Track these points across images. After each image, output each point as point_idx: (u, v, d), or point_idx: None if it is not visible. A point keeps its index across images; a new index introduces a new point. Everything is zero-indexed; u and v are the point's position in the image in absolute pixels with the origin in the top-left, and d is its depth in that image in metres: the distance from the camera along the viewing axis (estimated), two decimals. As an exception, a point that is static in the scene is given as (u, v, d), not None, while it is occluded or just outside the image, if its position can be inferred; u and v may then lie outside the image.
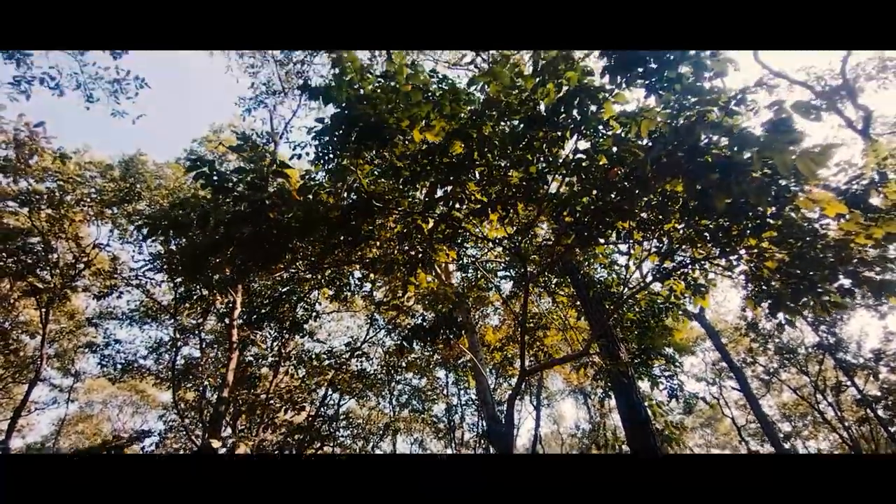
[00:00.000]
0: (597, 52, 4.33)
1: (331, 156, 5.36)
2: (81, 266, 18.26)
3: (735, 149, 3.61)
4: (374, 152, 4.93)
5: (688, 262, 6.66)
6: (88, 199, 16.30)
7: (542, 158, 5.10)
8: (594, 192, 5.33)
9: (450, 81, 5.31)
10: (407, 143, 4.88)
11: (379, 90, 4.59)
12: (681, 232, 5.99)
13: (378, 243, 6.07)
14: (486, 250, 11.00)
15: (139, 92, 13.15)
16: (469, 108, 4.70)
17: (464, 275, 11.81)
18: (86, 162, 16.86)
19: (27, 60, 12.43)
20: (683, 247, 6.32)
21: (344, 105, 4.65)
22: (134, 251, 17.65)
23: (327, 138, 5.13)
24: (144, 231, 4.44)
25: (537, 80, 4.32)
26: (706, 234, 5.68)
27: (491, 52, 13.65)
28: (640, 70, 4.42)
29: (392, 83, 4.81)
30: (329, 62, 14.50)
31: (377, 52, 13.99)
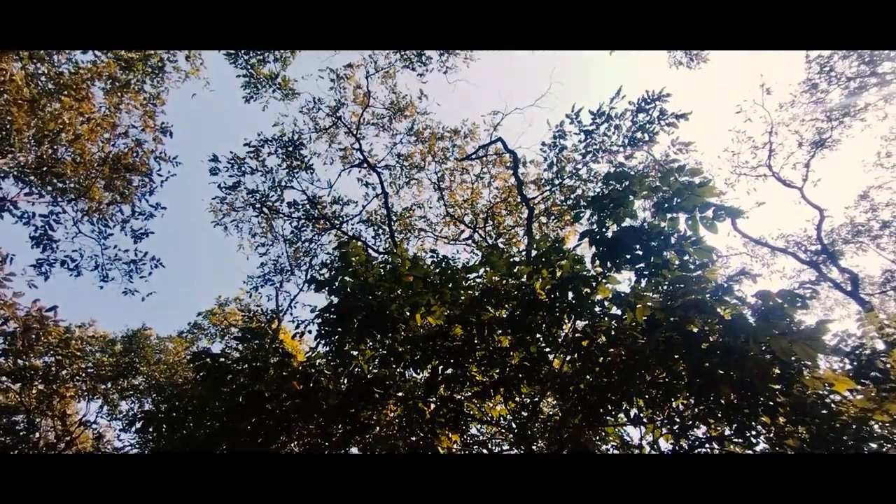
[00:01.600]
0: (586, 242, 4.63)
1: (334, 336, 5.44)
2: (62, 446, 17.26)
3: (731, 334, 3.68)
4: (376, 337, 5.00)
5: (704, 439, 6.32)
6: (83, 374, 16.03)
7: (541, 339, 5.16)
8: (597, 369, 5.29)
9: (450, 267, 5.59)
10: (409, 327, 4.98)
11: (382, 279, 4.82)
12: (692, 409, 5.79)
13: (377, 429, 5.83)
14: (491, 430, 10.51)
15: (153, 271, 13.84)
16: (469, 293, 4.89)
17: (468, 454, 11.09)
18: (89, 336, 16.96)
19: (53, 244, 13.29)
20: (697, 424, 6.06)
21: (348, 292, 4.86)
22: (121, 429, 16.85)
23: (330, 315, 5.26)
24: (138, 425, 4.31)
25: (532, 268, 4.57)
26: (718, 411, 5.49)
27: (487, 230, 14.67)
28: (628, 256, 4.71)
29: (394, 270, 5.07)
30: (335, 239, 15.47)
31: (380, 234, 14.98)
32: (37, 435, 17.00)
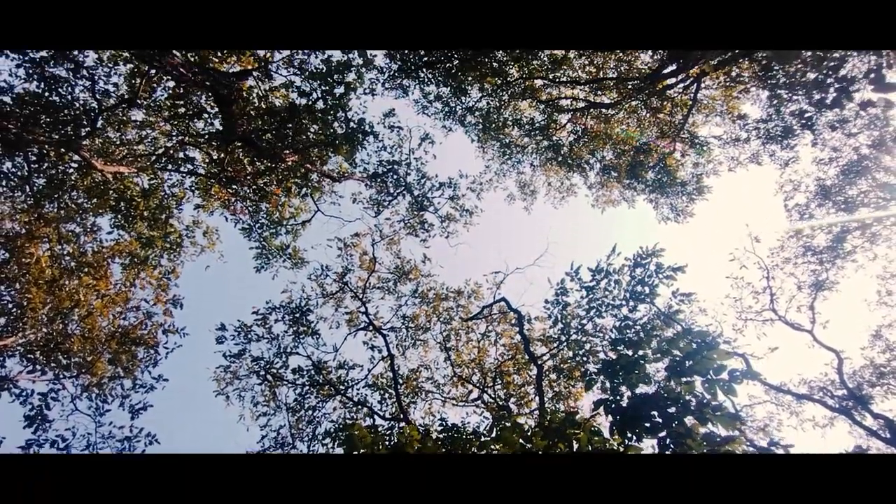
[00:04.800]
0: (601, 411, 4.44)
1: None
2: None
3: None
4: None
5: None
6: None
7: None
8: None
9: (460, 439, 5.29)
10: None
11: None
12: None
13: None
14: None
15: (146, 449, 13.09)
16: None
17: None
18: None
19: (46, 424, 12.77)
20: None
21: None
22: None
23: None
24: None
25: (547, 442, 4.32)
26: None
27: (497, 389, 14.21)
28: (647, 424, 4.48)
29: (402, 450, 4.79)
30: (340, 406, 14.90)
31: (386, 398, 14.49)
32: None
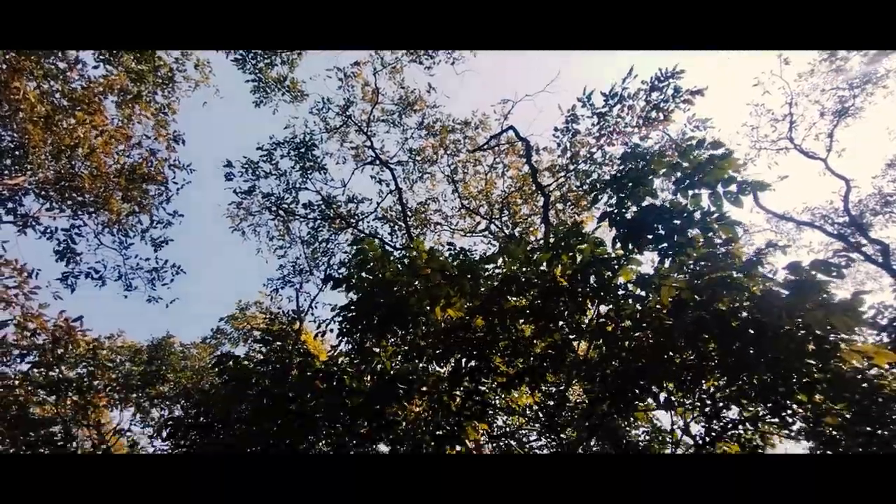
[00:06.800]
0: (606, 224, 4.50)
1: (355, 334, 5.41)
2: (99, 455, 17.61)
3: (763, 311, 3.54)
4: (397, 333, 4.95)
5: (737, 421, 6.16)
6: (115, 384, 16.33)
7: (565, 326, 5.05)
8: (624, 354, 5.17)
9: (467, 259, 5.51)
10: (429, 321, 4.92)
11: (399, 274, 4.77)
12: (724, 391, 5.63)
13: (403, 423, 5.80)
14: (518, 421, 10.45)
15: (174, 278, 14.03)
16: (488, 283, 4.81)
17: (496, 445, 11.04)
18: (118, 346, 17.29)
19: (76, 257, 13.52)
20: (729, 406, 5.90)
21: (367, 289, 4.81)
22: (154, 436, 17.16)
23: (350, 313, 5.23)
24: (165, 433, 4.35)
25: (551, 254, 4.46)
26: (751, 391, 5.33)
27: (504, 220, 14.53)
28: (650, 236, 4.57)
29: (411, 264, 5.01)
30: (352, 238, 15.49)
31: (396, 230, 14.94)
32: (73, 445, 17.40)
